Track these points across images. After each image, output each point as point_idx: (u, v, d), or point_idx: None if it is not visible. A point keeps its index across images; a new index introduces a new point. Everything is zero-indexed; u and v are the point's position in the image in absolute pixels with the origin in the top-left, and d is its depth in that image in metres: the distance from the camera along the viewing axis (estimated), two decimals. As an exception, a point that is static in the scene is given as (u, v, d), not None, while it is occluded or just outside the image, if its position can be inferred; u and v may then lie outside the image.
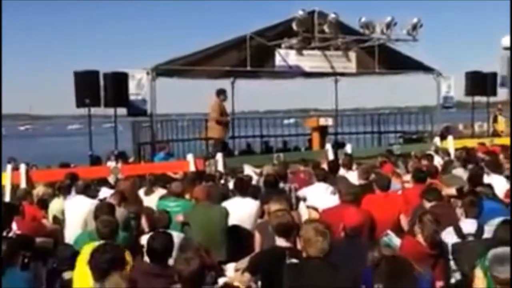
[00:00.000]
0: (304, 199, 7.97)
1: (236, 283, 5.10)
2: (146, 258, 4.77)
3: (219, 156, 11.23)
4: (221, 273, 5.52)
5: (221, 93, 13.83)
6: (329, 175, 8.82)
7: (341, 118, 19.79)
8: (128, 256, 4.99)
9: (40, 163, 12.58)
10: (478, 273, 4.19)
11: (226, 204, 6.87)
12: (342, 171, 9.45)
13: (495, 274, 3.80)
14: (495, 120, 18.75)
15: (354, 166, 9.68)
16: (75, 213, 7.14)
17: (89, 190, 7.61)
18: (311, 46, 14.00)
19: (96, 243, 4.79)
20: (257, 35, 13.67)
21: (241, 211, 6.83)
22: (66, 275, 5.13)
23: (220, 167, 10.78)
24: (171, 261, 4.59)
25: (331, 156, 11.99)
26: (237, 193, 7.30)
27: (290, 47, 13.81)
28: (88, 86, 12.07)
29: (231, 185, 8.43)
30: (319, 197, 7.70)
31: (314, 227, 4.28)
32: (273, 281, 4.43)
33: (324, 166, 9.63)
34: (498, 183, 7.61)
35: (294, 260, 4.44)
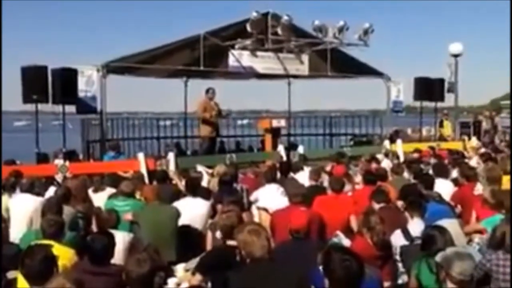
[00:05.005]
0: (256, 201, 7.98)
1: (186, 284, 5.06)
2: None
3: (171, 156, 11.11)
4: (171, 274, 5.45)
5: (208, 91, 13.87)
6: (280, 177, 8.87)
7: (293, 120, 19.94)
8: (73, 256, 4.90)
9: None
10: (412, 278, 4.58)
11: (177, 204, 6.80)
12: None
13: (454, 271, 3.86)
14: (441, 125, 19.30)
15: (306, 168, 9.75)
16: (20, 211, 6.94)
17: (34, 187, 7.40)
18: (265, 47, 14.04)
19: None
20: (211, 35, 13.61)
21: (192, 211, 6.78)
22: (10, 274, 4.96)
23: (172, 167, 10.66)
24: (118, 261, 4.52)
25: (283, 158, 12.06)
26: (188, 193, 7.25)
27: (244, 48, 13.81)
28: (35, 82, 11.70)
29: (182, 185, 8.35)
30: (270, 198, 7.73)
31: (247, 229, 4.33)
32: (224, 281, 4.41)
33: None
34: (444, 187, 7.82)
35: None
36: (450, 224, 5.46)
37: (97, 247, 4.54)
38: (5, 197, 7.54)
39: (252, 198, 8.05)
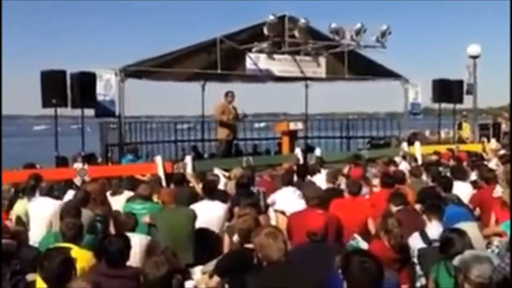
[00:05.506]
0: (273, 204, 7.98)
1: (203, 286, 5.07)
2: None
3: (188, 159, 11.15)
4: (188, 277, 5.48)
5: (227, 94, 13.91)
6: (297, 180, 8.87)
7: (310, 123, 19.90)
8: (92, 258, 4.95)
9: (4, 164, 12.27)
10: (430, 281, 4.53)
11: (194, 206, 6.82)
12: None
13: (473, 275, 3.81)
14: (460, 127, 19.12)
15: (323, 170, 9.74)
16: (40, 214, 7.01)
17: (53, 191, 7.48)
18: (282, 50, 14.04)
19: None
20: (228, 38, 13.64)
21: (209, 213, 6.80)
22: (29, 277, 5.03)
23: (189, 170, 10.70)
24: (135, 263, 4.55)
25: (300, 160, 12.07)
26: (205, 196, 7.27)
27: (261, 51, 13.81)
28: (54, 86, 11.81)
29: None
30: (287, 201, 7.72)
31: (263, 232, 4.34)
32: (241, 283, 4.42)
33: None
34: (462, 189, 7.75)
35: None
36: (469, 227, 5.40)
37: (112, 249, 4.58)
38: (24, 201, 7.64)
39: (269, 201, 8.05)
